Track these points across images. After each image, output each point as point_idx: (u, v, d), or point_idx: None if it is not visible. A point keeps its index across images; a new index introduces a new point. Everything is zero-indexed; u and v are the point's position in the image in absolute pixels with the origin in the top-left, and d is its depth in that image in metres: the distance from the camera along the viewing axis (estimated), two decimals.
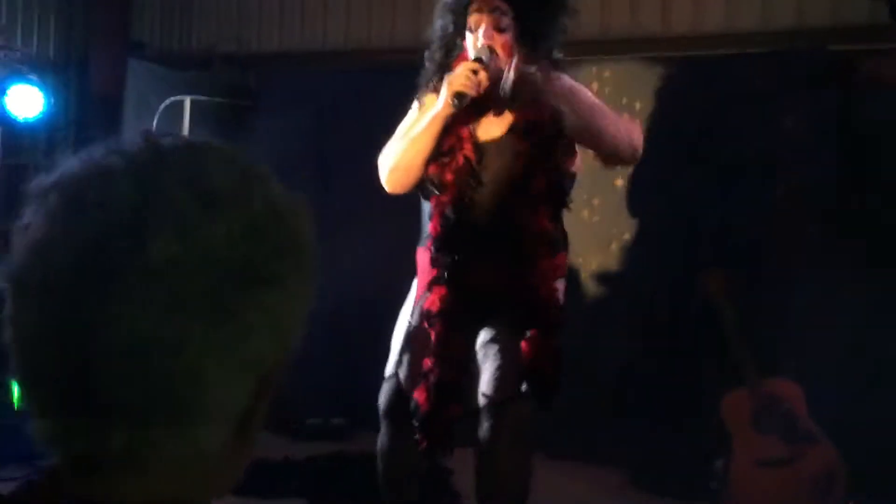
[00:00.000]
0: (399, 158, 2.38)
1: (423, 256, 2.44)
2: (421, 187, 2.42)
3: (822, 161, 3.54)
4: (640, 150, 2.45)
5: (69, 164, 0.60)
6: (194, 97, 4.38)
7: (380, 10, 4.73)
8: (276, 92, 4.74)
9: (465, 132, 2.33)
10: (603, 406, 3.81)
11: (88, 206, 0.56)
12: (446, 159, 2.33)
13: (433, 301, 2.35)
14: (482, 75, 2.25)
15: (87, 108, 5.22)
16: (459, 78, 2.24)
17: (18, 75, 4.58)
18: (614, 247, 4.01)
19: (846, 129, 3.51)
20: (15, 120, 4.46)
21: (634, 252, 3.95)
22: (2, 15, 5.84)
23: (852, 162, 3.51)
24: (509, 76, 2.30)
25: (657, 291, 3.86)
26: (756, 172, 3.64)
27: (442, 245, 2.34)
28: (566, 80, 2.44)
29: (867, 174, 3.48)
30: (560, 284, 2.39)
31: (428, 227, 2.41)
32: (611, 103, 2.83)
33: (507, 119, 2.36)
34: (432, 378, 2.31)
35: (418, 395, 2.33)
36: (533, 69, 2.31)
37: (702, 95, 3.83)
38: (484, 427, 2.34)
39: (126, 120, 4.62)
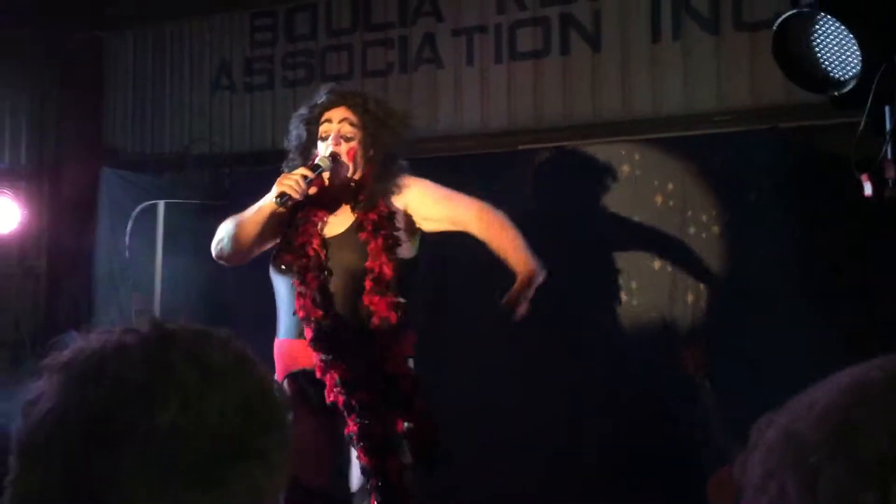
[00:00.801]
0: (229, 236, 2.68)
1: (286, 346, 2.67)
2: (274, 265, 2.69)
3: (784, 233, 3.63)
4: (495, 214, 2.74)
5: (81, 341, 0.65)
6: (168, 200, 4.42)
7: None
8: (251, 190, 4.79)
9: (313, 230, 2.63)
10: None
11: (104, 377, 0.61)
12: (301, 252, 2.61)
13: (337, 374, 2.52)
14: (314, 181, 2.55)
15: (60, 215, 5.24)
16: (288, 180, 2.52)
17: None
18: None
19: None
20: None
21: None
22: None
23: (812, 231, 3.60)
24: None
25: None
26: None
27: (319, 328, 2.56)
28: (412, 180, 2.73)
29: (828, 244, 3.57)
30: (410, 362, 2.63)
31: (282, 313, 2.68)
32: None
33: (350, 217, 2.67)
34: (366, 441, 2.51)
35: (362, 459, 2.52)
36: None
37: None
38: None
39: (100, 226, 4.63)
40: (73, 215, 5.06)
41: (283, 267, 2.65)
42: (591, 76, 4.35)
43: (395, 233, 2.62)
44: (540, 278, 2.66)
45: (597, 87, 4.34)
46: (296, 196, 2.51)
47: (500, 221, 2.73)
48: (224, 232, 2.71)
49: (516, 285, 2.62)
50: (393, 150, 2.72)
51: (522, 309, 2.61)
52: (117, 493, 0.58)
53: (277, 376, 2.66)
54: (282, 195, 2.50)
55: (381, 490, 2.47)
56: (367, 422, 2.49)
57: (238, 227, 2.67)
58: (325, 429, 2.60)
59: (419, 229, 2.76)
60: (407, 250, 2.68)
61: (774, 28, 1.91)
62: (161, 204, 4.41)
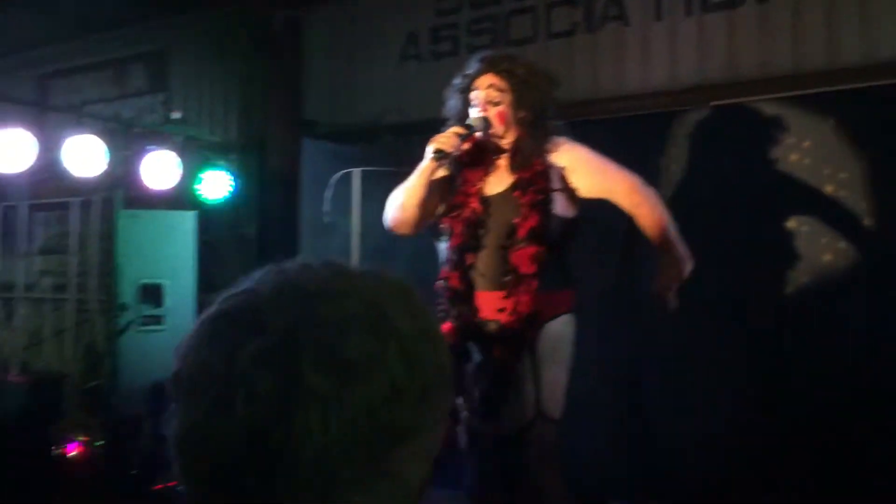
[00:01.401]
0: (396, 203, 2.80)
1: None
2: (433, 233, 2.83)
3: None
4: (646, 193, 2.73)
5: (203, 353, 0.62)
6: (363, 168, 4.63)
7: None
8: None
9: (472, 189, 2.74)
10: None
11: (236, 403, 0.58)
12: (456, 212, 2.74)
13: None
14: (467, 139, 2.67)
15: (267, 185, 5.63)
16: (442, 137, 2.64)
17: (208, 162, 5.03)
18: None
19: None
20: (207, 202, 4.89)
21: None
22: (190, 107, 6.46)
23: None
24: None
25: None
26: None
27: (449, 285, 2.71)
28: (563, 142, 2.75)
29: None
30: (558, 322, 2.67)
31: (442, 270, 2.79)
32: None
33: (509, 179, 2.73)
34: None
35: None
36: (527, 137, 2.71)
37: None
38: (515, 451, 2.62)
39: (303, 194, 4.93)
40: (279, 184, 5.42)
41: (440, 230, 2.79)
42: (792, 24, 4.09)
43: (547, 189, 2.67)
44: (688, 269, 2.65)
45: (798, 37, 4.07)
46: (449, 150, 2.62)
47: (651, 202, 2.73)
48: (392, 203, 2.83)
49: (663, 277, 2.64)
50: (543, 111, 2.75)
51: (672, 300, 2.63)
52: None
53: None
54: (437, 150, 2.62)
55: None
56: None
57: (403, 194, 2.77)
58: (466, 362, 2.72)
59: (577, 190, 2.76)
60: (564, 208, 2.72)
61: None
62: (357, 171, 4.62)
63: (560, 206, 2.71)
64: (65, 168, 4.46)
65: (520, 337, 2.62)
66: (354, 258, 4.61)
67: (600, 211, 2.84)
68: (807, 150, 3.82)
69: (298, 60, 5.92)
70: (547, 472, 2.63)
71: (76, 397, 6.09)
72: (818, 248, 3.75)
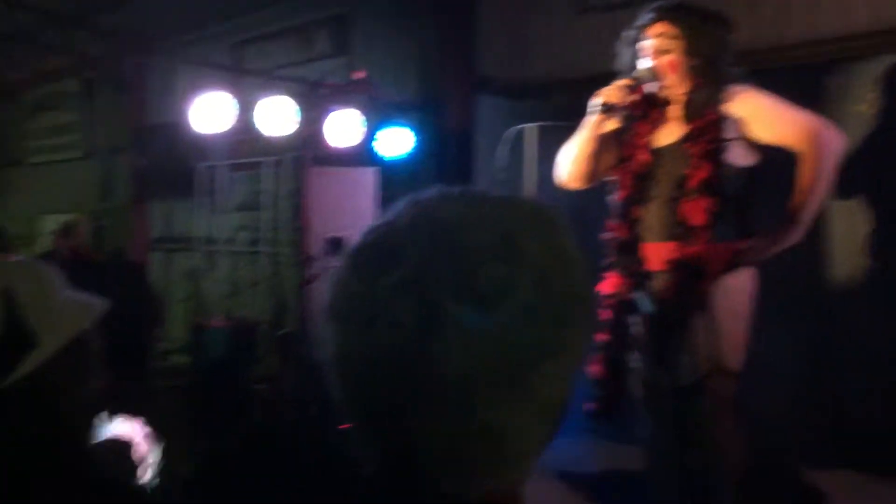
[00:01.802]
0: (567, 158, 2.82)
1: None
2: (604, 186, 2.82)
3: None
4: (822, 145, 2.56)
5: (349, 284, 0.67)
6: (537, 124, 4.64)
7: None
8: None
9: (641, 141, 2.71)
10: None
11: (379, 330, 0.63)
12: (624, 164, 2.72)
13: (605, 286, 2.70)
14: (634, 90, 2.64)
15: (443, 142, 5.77)
16: (609, 89, 2.63)
17: (387, 120, 5.22)
18: None
19: None
20: (387, 159, 5.08)
21: None
22: (372, 68, 6.70)
23: None
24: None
25: None
26: None
27: (615, 236, 2.71)
28: (742, 90, 2.63)
29: None
30: (736, 274, 2.56)
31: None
32: None
33: (681, 129, 2.67)
34: (609, 352, 2.67)
35: (592, 368, 2.69)
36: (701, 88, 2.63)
37: None
38: (691, 403, 2.60)
39: (477, 150, 5.02)
40: (455, 141, 5.55)
41: (608, 182, 2.78)
42: None
43: (720, 139, 2.57)
44: (791, 240, 2.54)
45: None
46: (616, 102, 2.61)
47: (822, 157, 2.54)
48: (562, 157, 2.83)
49: (768, 237, 2.56)
50: (718, 58, 2.64)
51: (753, 259, 2.56)
52: (425, 423, 0.63)
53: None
54: (603, 104, 2.61)
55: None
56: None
57: (572, 149, 2.78)
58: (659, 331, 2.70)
59: (756, 140, 2.64)
60: (741, 157, 2.62)
61: None
62: (531, 127, 4.64)
63: (736, 156, 2.61)
64: (258, 128, 4.77)
65: (688, 288, 2.57)
66: None
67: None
68: None
69: (473, 17, 5.98)
70: (724, 426, 2.59)
71: (269, 343, 6.58)
72: None
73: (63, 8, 7.92)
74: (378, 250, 0.66)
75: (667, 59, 2.64)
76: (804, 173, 2.56)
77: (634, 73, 2.67)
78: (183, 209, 8.74)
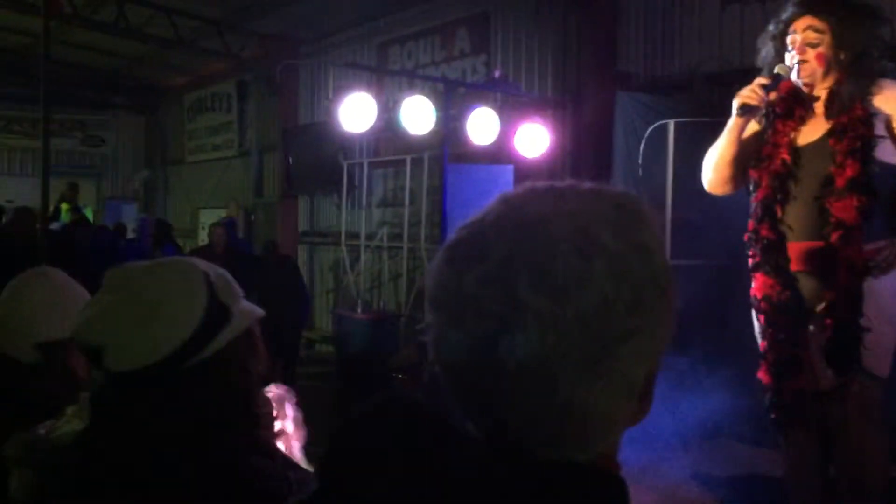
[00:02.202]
0: (709, 164, 2.72)
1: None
2: (746, 187, 2.71)
3: None
4: None
5: (441, 276, 0.72)
6: (677, 120, 4.56)
7: None
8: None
9: (783, 140, 2.59)
10: None
11: (466, 319, 0.69)
12: (765, 163, 2.61)
13: (756, 288, 2.61)
14: (773, 88, 2.52)
15: (581, 138, 5.76)
16: (746, 91, 2.50)
17: (525, 117, 5.27)
18: None
19: None
20: (524, 157, 5.13)
21: None
22: (510, 66, 6.76)
23: None
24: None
25: None
26: None
27: (759, 236, 2.60)
28: (892, 85, 2.50)
29: None
30: (885, 278, 2.44)
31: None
32: None
33: (825, 125, 2.55)
34: (770, 357, 2.58)
35: (761, 375, 2.60)
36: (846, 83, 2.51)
37: None
38: (835, 406, 2.50)
39: (616, 146, 4.99)
40: (592, 138, 5.52)
41: (750, 180, 2.66)
42: None
43: (867, 135, 2.45)
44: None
45: None
46: (754, 103, 2.49)
47: None
48: (706, 163, 2.74)
49: None
50: (867, 52, 2.52)
51: (884, 268, 2.44)
52: (514, 400, 0.69)
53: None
54: (742, 106, 2.50)
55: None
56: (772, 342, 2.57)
57: (714, 154, 2.68)
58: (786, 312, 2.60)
59: None
60: (891, 154, 2.48)
61: None
62: (671, 123, 4.57)
63: (886, 153, 2.47)
64: (401, 127, 4.93)
65: (834, 290, 2.48)
66: (668, 211, 4.59)
67: None
68: None
69: (614, 13, 5.93)
70: (867, 430, 2.48)
71: (408, 335, 6.78)
72: None
73: (219, 14, 8.44)
74: (467, 245, 0.71)
75: (814, 52, 2.52)
76: None
77: (774, 70, 2.55)
78: (328, 205, 9.12)
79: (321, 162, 8.36)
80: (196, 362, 1.10)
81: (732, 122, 2.59)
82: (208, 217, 10.34)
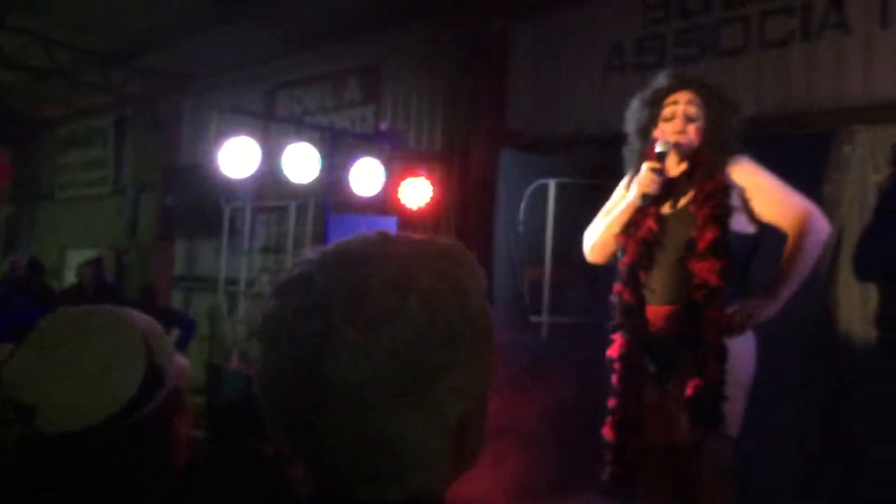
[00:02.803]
0: (597, 238, 2.87)
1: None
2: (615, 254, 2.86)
3: None
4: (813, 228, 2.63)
5: (268, 308, 0.75)
6: (558, 180, 4.65)
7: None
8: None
9: (651, 209, 2.73)
10: None
11: (281, 345, 0.72)
12: (632, 231, 2.75)
13: (612, 349, 2.73)
14: (665, 170, 2.68)
15: (466, 193, 5.79)
16: (644, 180, 2.66)
17: (410, 169, 5.26)
18: None
19: None
20: (407, 209, 5.10)
21: None
22: (399, 117, 6.78)
23: None
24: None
25: None
26: None
27: (621, 299, 2.72)
28: (744, 161, 2.69)
29: None
30: (736, 342, 2.57)
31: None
32: None
33: (688, 194, 2.71)
34: (617, 415, 2.68)
35: (605, 432, 2.70)
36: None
37: None
38: (688, 465, 2.59)
39: (499, 203, 5.03)
40: (478, 192, 5.56)
41: (618, 248, 2.80)
42: None
43: (726, 204, 2.63)
44: (768, 312, 2.57)
45: None
46: (655, 192, 2.66)
47: (812, 238, 2.63)
48: (589, 235, 2.91)
49: (747, 305, 2.56)
50: (728, 130, 2.73)
51: (737, 330, 2.57)
52: (327, 428, 0.71)
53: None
54: (644, 196, 2.67)
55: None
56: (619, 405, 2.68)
57: (602, 231, 2.84)
58: (662, 392, 2.68)
59: (754, 213, 2.69)
60: (743, 224, 2.67)
61: None
62: (552, 183, 4.65)
63: (739, 224, 2.66)
64: (283, 173, 4.83)
65: (689, 351, 2.58)
66: (547, 268, 4.63)
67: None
68: None
69: (504, 72, 6.05)
70: (719, 488, 2.57)
71: None
72: None
73: (103, 46, 8.13)
74: (294, 279, 0.75)
75: (693, 126, 2.71)
76: (788, 254, 2.63)
77: (659, 148, 2.71)
78: (207, 249, 8.81)
79: (202, 204, 8.10)
80: (128, 424, 1.11)
81: (630, 205, 2.74)
82: (77, 257, 9.81)
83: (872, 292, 3.75)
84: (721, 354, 2.55)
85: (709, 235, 2.59)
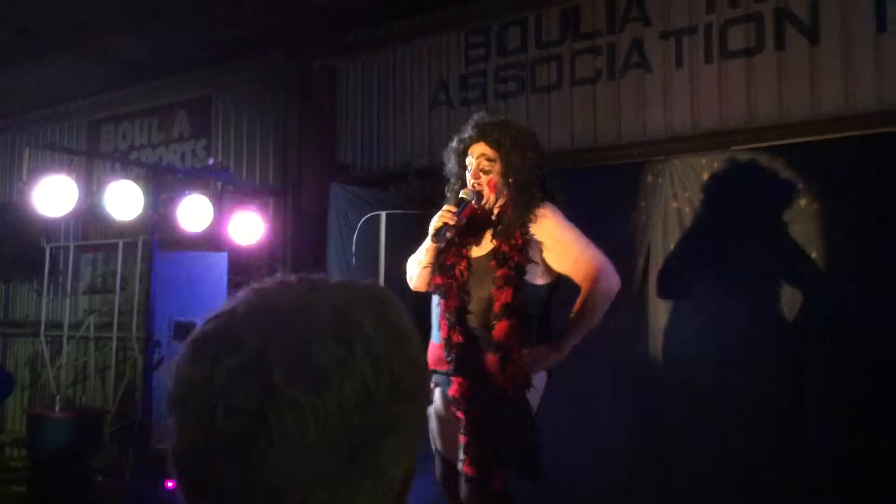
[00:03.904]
0: (412, 268, 3.02)
1: (433, 349, 2.90)
2: (432, 286, 2.94)
3: None
4: (601, 284, 2.81)
5: (188, 371, 0.67)
6: (389, 212, 4.74)
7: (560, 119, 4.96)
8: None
9: (463, 252, 2.87)
10: None
11: (217, 416, 0.63)
12: (450, 273, 2.86)
13: (454, 389, 2.80)
14: (462, 212, 2.79)
15: (299, 227, 5.79)
16: (437, 219, 2.80)
17: (241, 205, 5.21)
18: None
19: None
20: (237, 244, 5.04)
21: None
22: (229, 152, 6.69)
23: None
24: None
25: None
26: None
27: (451, 343, 2.81)
28: (546, 213, 2.83)
29: None
30: (535, 379, 2.75)
31: (433, 320, 2.92)
32: None
33: (491, 243, 2.84)
34: (472, 452, 2.73)
35: (466, 469, 2.74)
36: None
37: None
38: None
39: (331, 236, 5.06)
40: (310, 227, 5.57)
41: (434, 287, 2.92)
42: (810, 71, 4.14)
43: (522, 263, 2.76)
44: (552, 361, 2.78)
45: (815, 82, 4.12)
46: (451, 233, 2.79)
47: (599, 295, 2.81)
48: (410, 266, 3.05)
49: (537, 351, 2.75)
50: (529, 178, 2.85)
51: (530, 370, 2.73)
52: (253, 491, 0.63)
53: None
54: (437, 231, 2.79)
55: (482, 498, 2.70)
56: (473, 437, 2.73)
57: (416, 263, 2.99)
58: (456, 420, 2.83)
59: (550, 266, 2.86)
60: (540, 276, 2.82)
61: None
62: (383, 215, 4.74)
63: (536, 276, 2.81)
64: (106, 211, 4.65)
65: (510, 405, 2.72)
66: None
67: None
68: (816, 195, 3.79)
69: (333, 107, 6.12)
70: None
71: (113, 432, 6.25)
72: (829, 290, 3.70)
73: None
74: (217, 338, 0.66)
75: (487, 178, 2.84)
76: (577, 307, 2.81)
77: (462, 194, 2.84)
78: (26, 291, 8.28)
79: (19, 244, 7.63)
80: None
81: (428, 244, 2.87)
82: None
83: (674, 313, 4.06)
84: (523, 410, 2.71)
85: (504, 298, 2.72)
